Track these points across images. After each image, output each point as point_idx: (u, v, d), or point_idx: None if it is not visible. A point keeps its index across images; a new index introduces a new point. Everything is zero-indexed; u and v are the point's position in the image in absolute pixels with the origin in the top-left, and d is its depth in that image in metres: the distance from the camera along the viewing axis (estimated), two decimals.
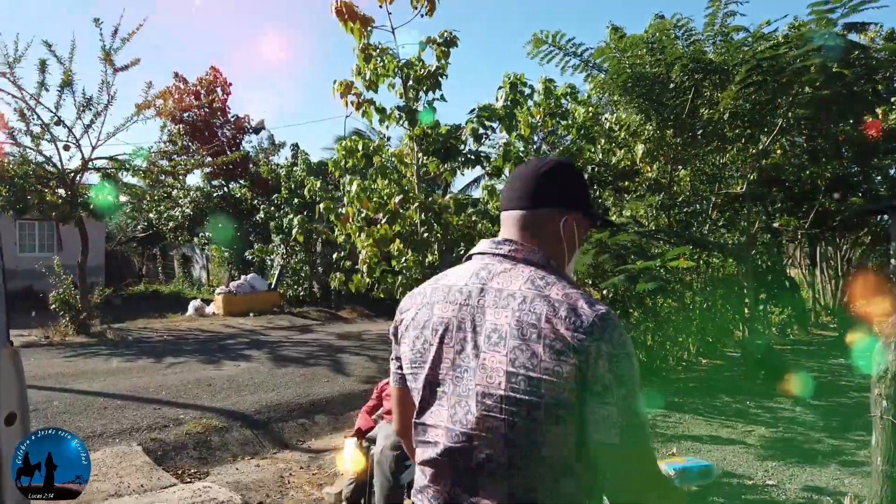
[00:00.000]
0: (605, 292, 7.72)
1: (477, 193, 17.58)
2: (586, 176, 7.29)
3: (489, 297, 1.26)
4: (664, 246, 6.83)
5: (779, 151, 9.60)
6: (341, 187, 5.43)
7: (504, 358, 1.19)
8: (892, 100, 10.46)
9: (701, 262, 9.22)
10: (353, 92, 5.03)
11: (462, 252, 5.37)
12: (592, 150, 7.50)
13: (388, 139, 5.46)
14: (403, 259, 5.41)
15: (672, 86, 7.79)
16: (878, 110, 10.38)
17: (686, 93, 7.73)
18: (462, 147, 5.21)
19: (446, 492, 1.28)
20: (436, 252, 5.23)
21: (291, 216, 15.14)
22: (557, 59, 8.50)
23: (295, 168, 17.96)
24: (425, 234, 5.24)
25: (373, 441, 3.97)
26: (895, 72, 7.28)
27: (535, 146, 6.58)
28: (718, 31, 7.64)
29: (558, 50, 8.44)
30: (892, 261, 12.48)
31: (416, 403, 1.33)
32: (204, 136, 20.31)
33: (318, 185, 5.62)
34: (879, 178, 13.09)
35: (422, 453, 1.33)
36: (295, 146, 21.74)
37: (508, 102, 5.21)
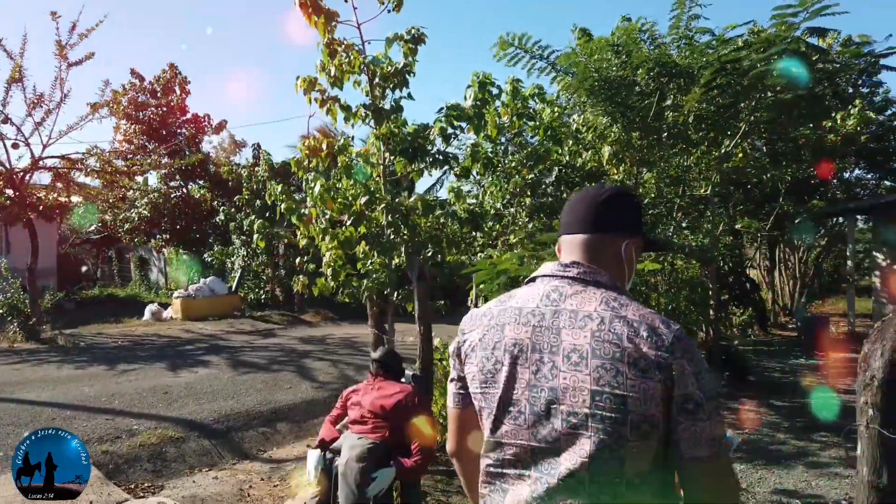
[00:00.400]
0: None
1: (441, 195, 17.48)
2: (553, 177, 7.24)
3: (563, 319, 1.31)
4: None
5: (740, 155, 9.72)
6: (304, 187, 5.24)
7: (587, 377, 1.24)
8: (850, 106, 10.74)
9: (665, 264, 9.27)
10: (317, 88, 4.84)
11: (430, 254, 5.24)
12: (560, 151, 7.45)
13: (353, 138, 5.28)
14: (369, 262, 5.24)
15: (638, 89, 7.81)
16: (837, 115, 10.63)
17: (651, 96, 7.75)
18: (430, 147, 5.08)
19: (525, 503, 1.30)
20: (403, 255, 5.08)
21: (253, 217, 14.79)
22: (524, 62, 8.45)
23: (257, 168, 17.57)
24: (392, 237, 5.09)
25: (337, 452, 3.82)
26: (854, 77, 7.44)
27: (502, 147, 6.50)
28: (683, 34, 7.69)
29: (525, 53, 8.39)
30: (849, 262, 12.79)
31: (488, 422, 1.37)
32: (161, 136, 19.74)
33: (280, 188, 5.39)
34: (836, 181, 13.42)
35: (496, 469, 1.37)
36: (256, 146, 21.29)
37: (477, 102, 5.09)
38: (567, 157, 7.87)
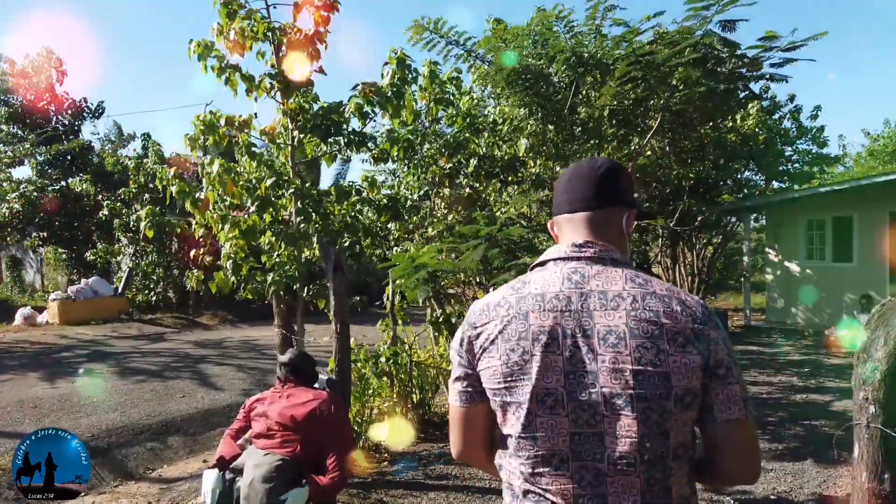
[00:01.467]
0: (491, 290, 7.42)
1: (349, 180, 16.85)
2: (471, 167, 6.94)
3: (593, 300, 1.28)
4: (552, 240, 6.61)
5: (649, 153, 9.83)
6: (199, 170, 4.61)
7: (628, 357, 1.22)
8: (750, 105, 11.18)
9: None
10: (214, 54, 4.25)
11: (346, 244, 4.75)
12: (477, 141, 7.16)
13: (256, 115, 4.68)
14: (276, 254, 4.69)
15: (555, 80, 7.65)
16: (738, 116, 11.04)
17: (567, 88, 7.61)
18: (345, 126, 4.59)
19: (573, 496, 1.27)
20: (315, 246, 4.56)
21: (138, 208, 13.59)
22: (440, 48, 8.11)
23: (145, 160, 16.23)
24: (302, 226, 4.56)
25: (239, 471, 3.27)
26: (759, 74, 7.60)
27: (420, 134, 6.12)
28: (600, 24, 7.61)
29: (440, 38, 8.05)
30: (745, 258, 13.39)
31: (517, 417, 1.31)
32: (35, 123, 17.85)
33: (172, 171, 4.72)
34: (730, 181, 13.99)
35: (531, 468, 1.32)
36: (146, 136, 19.72)
37: (396, 81, 4.66)
38: (484, 149, 7.59)
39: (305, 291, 4.87)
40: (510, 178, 8.04)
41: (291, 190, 4.44)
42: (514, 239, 6.31)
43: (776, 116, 14.88)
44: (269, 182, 4.32)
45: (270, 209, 4.44)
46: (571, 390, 1.25)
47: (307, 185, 4.56)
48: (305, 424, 3.28)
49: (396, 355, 5.76)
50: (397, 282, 5.75)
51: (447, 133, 7.12)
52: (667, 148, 10.83)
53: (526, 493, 1.32)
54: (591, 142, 8.44)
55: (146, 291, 16.49)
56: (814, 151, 16.37)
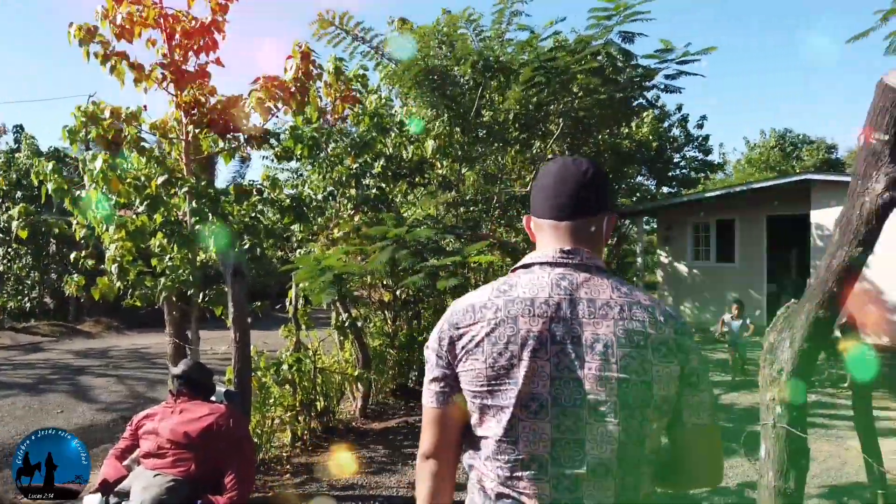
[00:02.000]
0: (398, 293, 7.31)
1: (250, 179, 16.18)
2: (379, 168, 6.81)
3: (582, 308, 1.30)
4: (457, 242, 6.59)
5: (550, 156, 10.09)
6: (80, 166, 4.20)
7: (615, 366, 1.25)
8: (644, 113, 11.72)
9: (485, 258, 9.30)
10: (97, 39, 3.87)
11: (246, 247, 4.48)
12: (384, 141, 7.03)
13: (145, 108, 4.32)
14: (168, 257, 4.35)
15: (461, 81, 7.66)
16: (633, 124, 11.55)
17: (473, 90, 7.64)
18: (245, 122, 4.33)
19: (550, 500, 1.28)
20: (211, 248, 4.26)
21: (10, 206, 12.41)
22: (345, 44, 7.92)
23: (18, 154, 14.85)
24: (197, 227, 4.25)
25: (125, 495, 2.98)
26: (653, 84, 7.95)
27: (326, 132, 5.91)
28: (505, 29, 7.69)
29: (346, 34, 7.86)
30: (638, 259, 14.04)
31: (499, 420, 1.31)
32: None
33: (51, 165, 4.27)
34: (625, 186, 14.66)
35: (508, 472, 1.32)
36: (18, 128, 18.07)
37: (301, 75, 4.45)
38: (391, 149, 7.48)
39: (201, 297, 4.56)
40: (417, 180, 7.97)
41: (185, 188, 4.12)
42: (422, 241, 6.23)
43: (666, 124, 15.71)
44: (160, 180, 4.00)
45: (162, 209, 4.11)
46: (557, 396, 1.27)
47: (202, 183, 4.27)
48: (201, 441, 3.03)
49: (300, 362, 5.53)
50: (301, 285, 5.52)
51: (353, 132, 6.95)
52: (567, 152, 11.18)
53: (500, 496, 1.32)
54: (496, 144, 8.52)
55: (19, 297, 15.10)
56: (699, 158, 17.44)
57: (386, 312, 7.54)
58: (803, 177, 11.52)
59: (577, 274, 1.34)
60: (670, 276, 14.03)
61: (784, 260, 14.55)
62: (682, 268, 13.82)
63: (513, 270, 1.42)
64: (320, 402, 5.86)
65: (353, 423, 6.26)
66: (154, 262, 4.46)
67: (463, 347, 1.34)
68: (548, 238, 1.42)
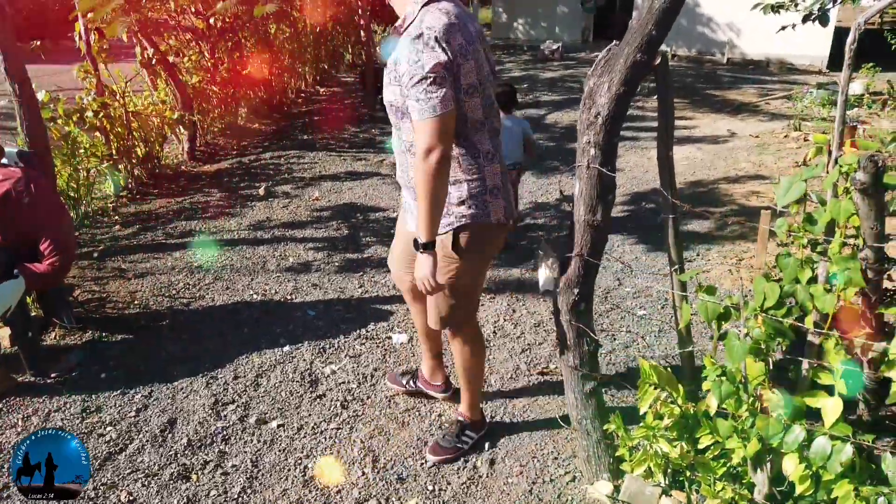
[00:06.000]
0: (213, 21, 6.47)
1: None
2: None
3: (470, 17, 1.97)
4: None
5: None
6: None
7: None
8: None
9: None
10: None
11: None
12: None
13: None
14: None
15: None
16: None
17: None
18: None
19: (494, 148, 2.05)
20: None
21: None
22: None
23: None
24: None
25: None
26: None
27: None
28: None
29: None
30: None
31: (481, 103, 1.91)
32: None
33: None
34: None
35: (493, 146, 2.00)
36: None
37: None
38: None
39: None
40: None
41: None
42: None
43: None
44: None
45: None
46: (487, 74, 1.94)
47: None
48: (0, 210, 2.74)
49: (107, 107, 4.94)
50: (89, 16, 4.68)
51: None
52: None
53: (488, 153, 1.98)
54: None
55: None
56: None
57: (202, 44, 6.75)
58: None
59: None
60: None
61: None
62: None
63: (426, 4, 1.83)
64: (140, 149, 5.41)
65: (183, 168, 5.93)
66: None
67: (459, 53, 1.81)
68: None
